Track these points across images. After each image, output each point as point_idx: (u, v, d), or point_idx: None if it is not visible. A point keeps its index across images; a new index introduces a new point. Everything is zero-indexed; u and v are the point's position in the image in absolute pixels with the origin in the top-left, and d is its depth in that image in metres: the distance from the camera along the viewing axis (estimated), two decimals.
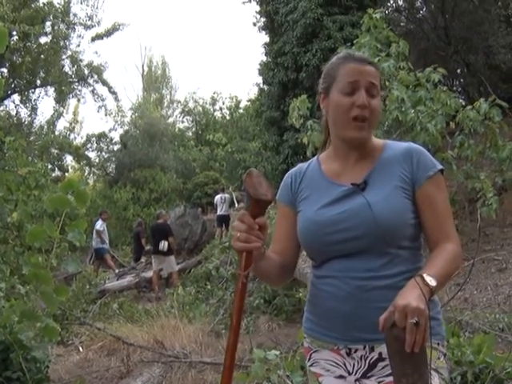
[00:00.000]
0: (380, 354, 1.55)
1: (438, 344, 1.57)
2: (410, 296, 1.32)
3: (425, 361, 1.34)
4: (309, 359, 1.72)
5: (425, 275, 1.40)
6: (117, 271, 12.42)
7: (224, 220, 14.69)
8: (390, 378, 1.40)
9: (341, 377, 1.63)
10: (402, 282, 1.45)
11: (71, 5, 21.30)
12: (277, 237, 1.81)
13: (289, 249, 1.75)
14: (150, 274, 11.36)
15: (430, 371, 1.39)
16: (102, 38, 22.82)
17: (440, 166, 1.63)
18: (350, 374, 1.61)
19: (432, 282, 1.39)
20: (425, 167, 1.61)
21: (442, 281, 1.45)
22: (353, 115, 1.58)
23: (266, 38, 16.30)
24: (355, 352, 1.59)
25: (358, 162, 1.67)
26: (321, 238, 1.62)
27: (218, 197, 15.14)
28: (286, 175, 1.84)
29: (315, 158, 1.81)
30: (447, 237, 1.58)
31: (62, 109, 24.31)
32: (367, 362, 1.58)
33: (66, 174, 23.83)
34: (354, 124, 1.59)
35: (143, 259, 13.48)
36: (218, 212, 14.87)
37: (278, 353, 3.97)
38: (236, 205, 17.43)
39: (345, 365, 1.62)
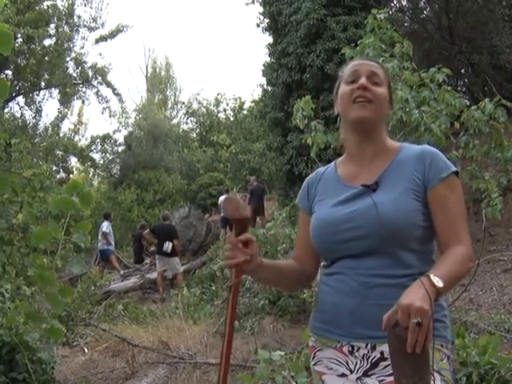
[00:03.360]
0: (382, 353, 1.55)
1: (442, 345, 1.57)
2: (415, 296, 1.32)
3: (427, 362, 1.33)
4: (313, 358, 1.73)
5: (432, 275, 1.40)
6: (122, 272, 12.44)
7: (228, 221, 14.67)
8: (391, 378, 1.40)
9: (343, 375, 1.63)
10: (408, 282, 1.44)
11: (75, 7, 21.38)
12: (297, 243, 1.90)
13: (307, 255, 1.81)
14: (154, 275, 11.37)
15: (436, 373, 1.39)
16: (106, 40, 22.87)
17: (454, 168, 1.63)
18: (351, 372, 1.62)
19: (439, 283, 1.38)
20: (437, 169, 1.61)
21: (449, 282, 1.44)
22: (354, 96, 1.65)
23: (269, 39, 16.31)
24: (357, 350, 1.60)
25: (372, 161, 1.69)
26: (329, 237, 1.65)
27: (222, 198, 15.15)
28: (305, 180, 1.89)
29: (333, 162, 1.85)
30: (458, 239, 1.57)
31: (66, 111, 24.41)
32: (369, 360, 1.58)
33: (71, 175, 23.88)
34: (355, 105, 1.65)
35: (148, 260, 13.50)
36: (222, 213, 14.88)
37: (282, 353, 3.97)
38: None
39: (347, 363, 1.62)
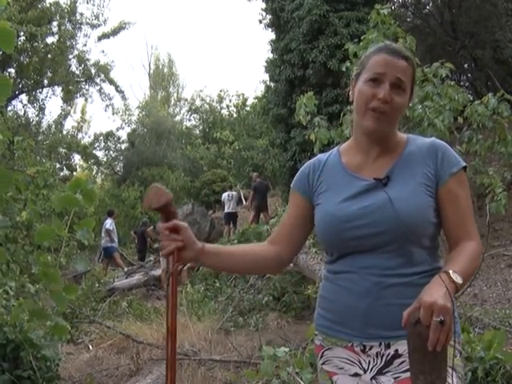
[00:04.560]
0: (396, 350, 1.52)
1: (454, 341, 1.53)
2: (437, 293, 1.30)
3: (444, 359, 1.32)
4: (321, 357, 1.67)
5: (451, 272, 1.38)
6: (126, 269, 12.45)
7: (231, 217, 14.71)
8: (407, 374, 1.38)
9: (356, 375, 1.58)
10: (420, 280, 1.43)
11: (77, 4, 21.41)
12: (280, 225, 1.79)
13: (286, 239, 1.72)
14: (158, 272, 11.37)
15: (451, 370, 1.38)
16: (109, 37, 22.94)
17: (463, 163, 1.60)
18: (365, 371, 1.57)
19: (458, 280, 1.37)
20: (449, 164, 1.57)
21: (465, 278, 1.42)
22: (371, 106, 1.56)
23: (272, 35, 16.27)
24: (370, 349, 1.56)
25: (379, 156, 1.64)
26: (340, 233, 1.58)
27: (225, 194, 15.16)
28: (305, 165, 1.78)
29: (335, 149, 1.76)
30: (469, 235, 1.55)
31: (69, 108, 24.52)
32: (383, 358, 1.54)
33: (74, 173, 23.95)
34: (371, 113, 1.56)
35: (152, 257, 13.51)
36: (226, 210, 14.90)
37: (287, 350, 3.97)
38: (244, 202, 17.45)
39: (360, 362, 1.58)
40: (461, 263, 1.45)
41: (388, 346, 1.53)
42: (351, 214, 1.57)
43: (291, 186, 1.78)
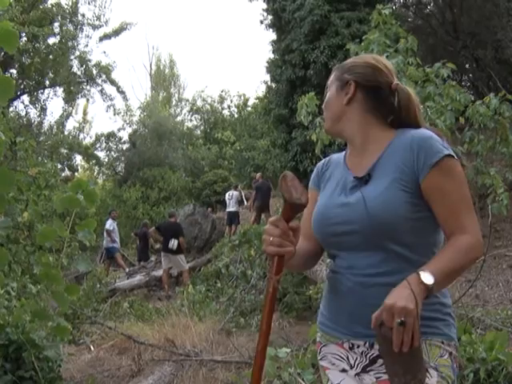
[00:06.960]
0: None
1: (443, 342, 1.53)
2: (399, 295, 1.31)
3: (418, 361, 1.33)
4: (319, 353, 1.74)
5: (421, 272, 1.36)
6: (127, 270, 12.45)
7: (230, 216, 14.76)
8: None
9: (343, 370, 1.63)
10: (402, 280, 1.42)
11: (79, 5, 21.38)
12: (303, 221, 1.80)
13: (311, 235, 1.73)
14: (160, 272, 11.38)
15: (429, 369, 1.39)
16: (110, 38, 22.93)
17: (447, 151, 1.49)
18: (351, 367, 1.61)
19: (428, 280, 1.34)
20: (427, 155, 1.49)
21: (444, 277, 1.40)
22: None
23: (273, 36, 16.33)
24: (357, 347, 1.59)
25: (365, 150, 1.65)
26: (323, 229, 1.65)
27: (234, 192, 15.22)
28: (319, 163, 1.88)
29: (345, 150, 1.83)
30: (461, 228, 1.47)
31: (71, 109, 24.47)
32: (368, 357, 1.57)
33: (76, 173, 23.96)
34: None
35: (153, 258, 13.52)
36: (226, 209, 14.99)
37: (288, 350, 3.97)
38: (245, 203, 17.44)
39: (348, 358, 1.62)
40: (441, 261, 1.42)
41: (372, 346, 1.55)
42: (332, 212, 1.62)
43: (309, 185, 1.84)
